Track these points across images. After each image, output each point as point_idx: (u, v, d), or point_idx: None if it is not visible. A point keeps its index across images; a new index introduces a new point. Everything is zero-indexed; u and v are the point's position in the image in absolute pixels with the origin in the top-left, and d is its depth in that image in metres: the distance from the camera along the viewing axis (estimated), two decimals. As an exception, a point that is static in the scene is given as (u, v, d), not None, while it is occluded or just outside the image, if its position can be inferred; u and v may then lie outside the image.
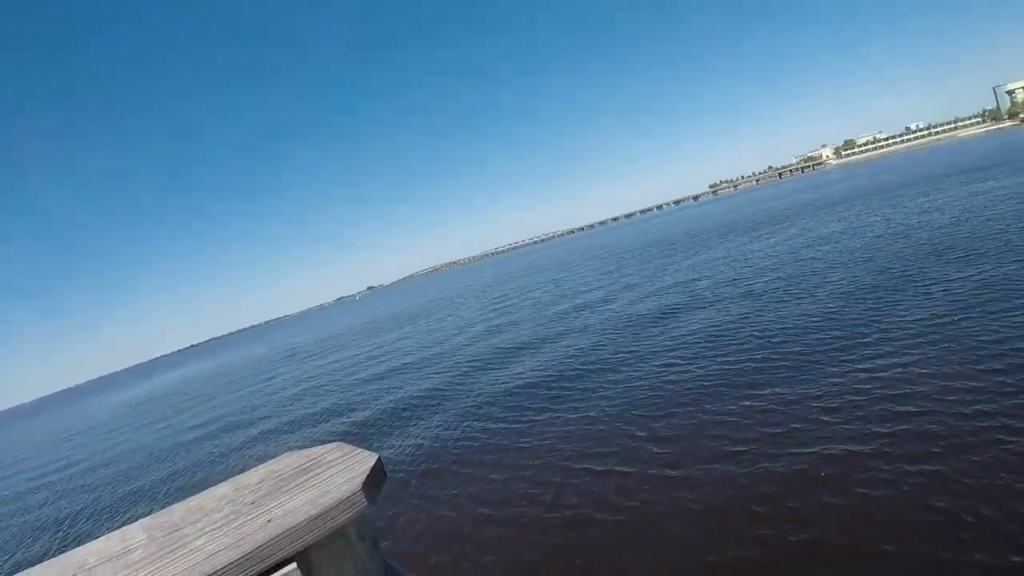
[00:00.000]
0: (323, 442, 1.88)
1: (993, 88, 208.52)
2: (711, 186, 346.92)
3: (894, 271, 15.64)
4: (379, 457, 1.59)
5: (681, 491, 7.48)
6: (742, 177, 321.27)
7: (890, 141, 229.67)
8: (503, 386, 15.18)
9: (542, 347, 18.93)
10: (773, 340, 12.48)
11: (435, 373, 19.84)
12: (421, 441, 12.47)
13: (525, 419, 12.08)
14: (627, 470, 8.48)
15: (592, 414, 11.18)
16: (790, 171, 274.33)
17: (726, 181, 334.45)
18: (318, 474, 1.58)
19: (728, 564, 5.83)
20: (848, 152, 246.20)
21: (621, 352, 15.14)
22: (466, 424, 12.84)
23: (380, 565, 1.59)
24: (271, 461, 1.86)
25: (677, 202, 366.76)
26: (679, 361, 12.90)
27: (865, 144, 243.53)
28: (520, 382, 15.07)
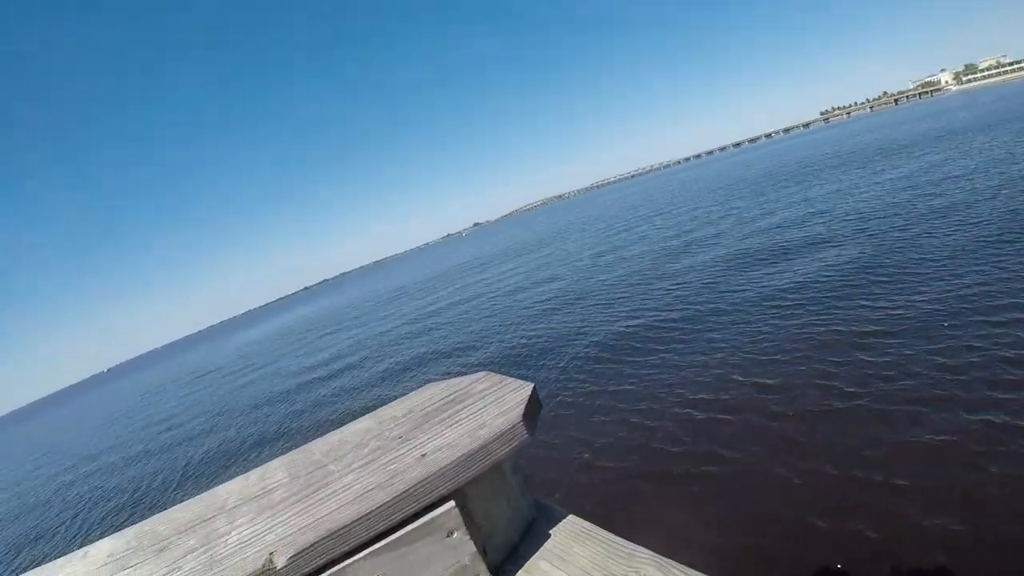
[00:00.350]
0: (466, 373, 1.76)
1: None
2: (822, 113, 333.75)
3: (1024, 216, 14.35)
4: (534, 386, 1.58)
5: (782, 445, 7.33)
6: (855, 104, 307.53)
7: (1016, 66, 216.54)
8: (608, 326, 15.13)
9: (648, 284, 18.75)
10: (889, 285, 11.81)
11: (538, 311, 20.02)
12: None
13: (629, 360, 12.05)
14: (729, 418, 8.40)
15: (697, 357, 11.03)
16: (907, 97, 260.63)
17: (838, 108, 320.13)
18: (469, 405, 1.54)
19: (829, 533, 5.59)
20: (969, 77, 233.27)
21: (730, 291, 14.81)
22: (569, 364, 12.94)
23: (531, 500, 1.58)
24: (413, 392, 1.81)
25: (787, 130, 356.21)
26: (789, 303, 12.51)
27: (988, 69, 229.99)
28: (625, 321, 14.98)
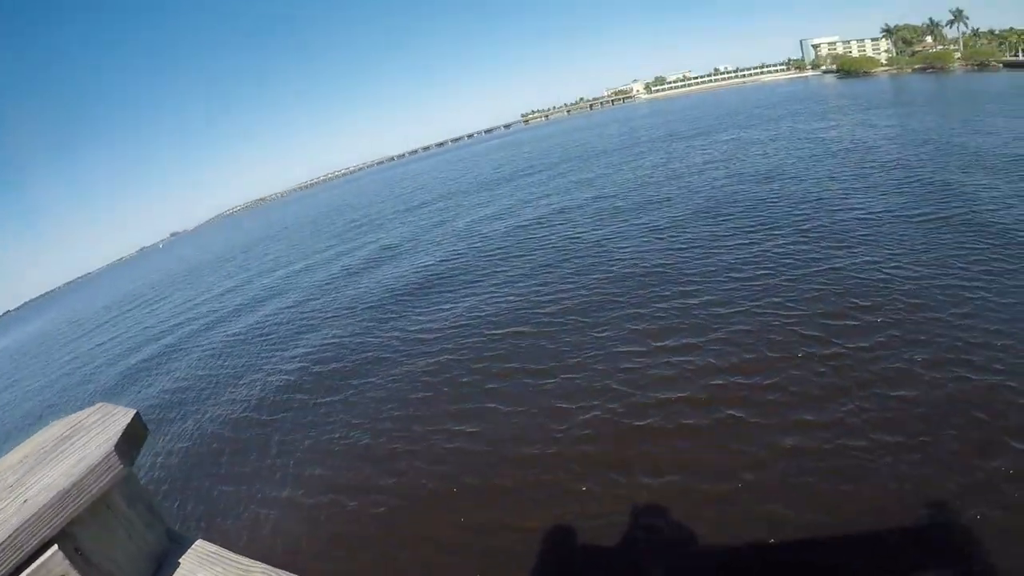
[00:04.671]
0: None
1: (800, 41, 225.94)
2: (523, 115, 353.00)
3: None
4: (136, 412, 1.49)
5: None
6: (553, 108, 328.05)
7: (699, 80, 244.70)
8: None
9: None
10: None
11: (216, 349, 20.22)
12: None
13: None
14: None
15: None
16: (601, 104, 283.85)
17: (537, 111, 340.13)
18: (76, 441, 1.43)
19: None
20: (658, 88, 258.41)
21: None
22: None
23: (160, 533, 1.53)
24: (37, 434, 1.62)
25: (490, 130, 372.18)
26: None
27: (675, 81, 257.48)
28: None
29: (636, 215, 20.48)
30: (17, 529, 1.15)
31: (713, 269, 13.91)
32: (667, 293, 12.99)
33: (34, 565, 1.19)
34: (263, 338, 18.51)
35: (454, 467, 8.47)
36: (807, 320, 10.90)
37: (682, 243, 16.45)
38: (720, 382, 9.39)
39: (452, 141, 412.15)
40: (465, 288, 16.52)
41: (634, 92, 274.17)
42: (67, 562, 1.22)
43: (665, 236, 17.42)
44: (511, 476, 7.91)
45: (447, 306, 15.27)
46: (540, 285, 15.00)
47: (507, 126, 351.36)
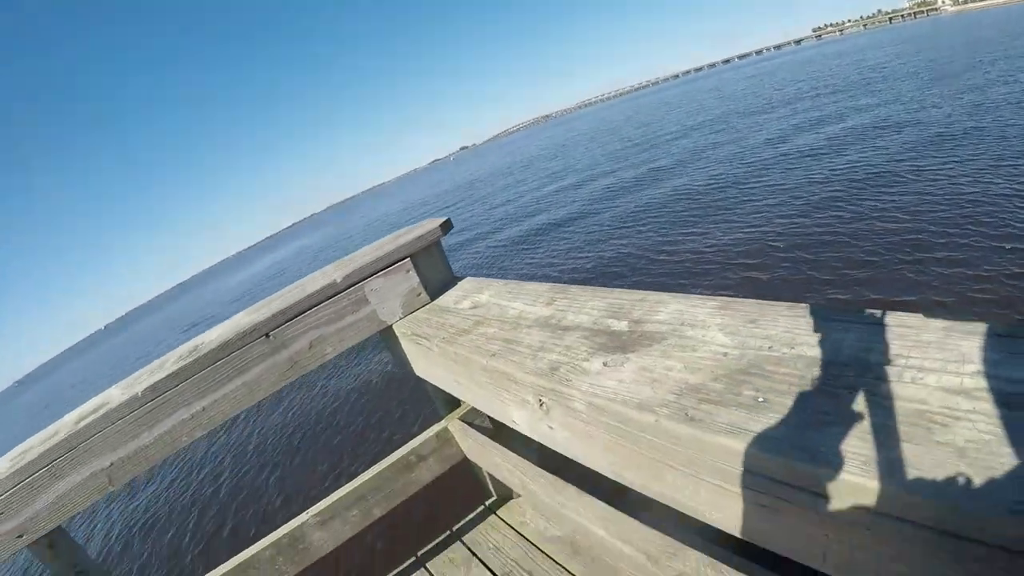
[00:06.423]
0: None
1: None
2: (815, 30, 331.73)
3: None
4: (448, 218, 2.57)
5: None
6: (849, 20, 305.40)
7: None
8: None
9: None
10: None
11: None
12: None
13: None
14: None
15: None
16: (901, 16, 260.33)
17: (832, 25, 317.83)
18: (424, 223, 2.58)
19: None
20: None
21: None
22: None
23: (448, 271, 2.71)
24: (413, 226, 2.78)
25: (779, 47, 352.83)
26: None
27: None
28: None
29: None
30: (394, 249, 2.35)
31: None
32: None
33: (398, 264, 2.38)
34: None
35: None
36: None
37: None
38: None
39: (739, 57, 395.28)
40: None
41: (939, 3, 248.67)
42: (412, 264, 2.40)
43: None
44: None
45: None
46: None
47: (797, 42, 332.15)
